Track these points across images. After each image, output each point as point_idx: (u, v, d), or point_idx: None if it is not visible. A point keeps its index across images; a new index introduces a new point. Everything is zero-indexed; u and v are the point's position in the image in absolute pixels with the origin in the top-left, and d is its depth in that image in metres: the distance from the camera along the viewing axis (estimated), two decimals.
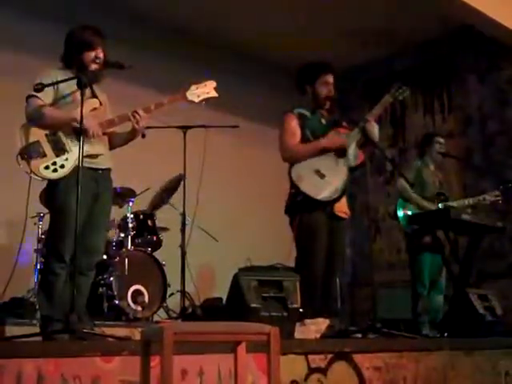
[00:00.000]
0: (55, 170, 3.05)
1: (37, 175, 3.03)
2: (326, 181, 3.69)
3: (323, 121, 3.90)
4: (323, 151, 3.73)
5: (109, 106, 3.38)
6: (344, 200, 3.86)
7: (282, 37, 6.54)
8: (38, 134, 3.08)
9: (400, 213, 4.78)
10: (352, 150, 3.76)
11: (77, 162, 3.03)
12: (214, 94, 3.35)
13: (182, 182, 4.84)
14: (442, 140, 5.07)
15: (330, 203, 3.70)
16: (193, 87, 3.33)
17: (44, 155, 3.05)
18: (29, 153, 3.03)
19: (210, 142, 4.83)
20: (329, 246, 3.72)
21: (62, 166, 3.06)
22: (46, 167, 3.04)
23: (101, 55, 3.22)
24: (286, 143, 3.79)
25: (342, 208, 3.81)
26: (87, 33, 3.24)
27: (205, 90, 3.33)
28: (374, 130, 3.77)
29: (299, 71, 3.96)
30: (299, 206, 3.72)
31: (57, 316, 2.94)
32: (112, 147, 3.35)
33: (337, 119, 3.95)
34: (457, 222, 4.24)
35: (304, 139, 3.80)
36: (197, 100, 3.32)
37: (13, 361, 2.01)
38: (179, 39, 6.35)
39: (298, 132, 3.80)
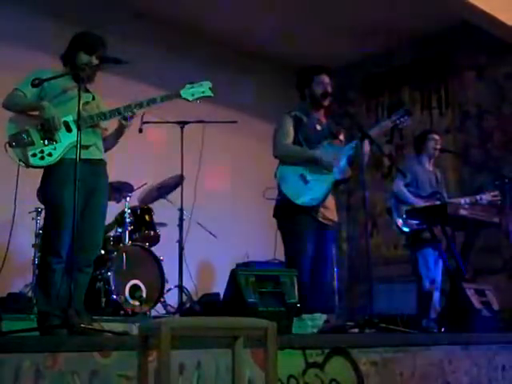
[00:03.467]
0: (42, 158, 3.07)
1: (23, 163, 3.05)
2: (308, 187, 3.74)
3: (318, 127, 3.93)
4: (313, 161, 3.76)
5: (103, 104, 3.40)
6: (333, 207, 3.89)
7: (280, 33, 6.53)
8: (28, 124, 3.10)
9: (398, 220, 4.78)
10: (341, 164, 3.80)
11: (65, 152, 3.07)
12: (209, 93, 3.36)
13: (180, 183, 4.85)
14: (437, 136, 5.06)
15: (312, 208, 3.73)
16: (188, 86, 3.34)
17: (32, 143, 3.07)
18: (17, 140, 3.05)
19: (207, 138, 4.84)
20: (316, 250, 3.76)
21: (50, 155, 3.09)
22: (33, 155, 3.06)
23: (94, 62, 3.25)
24: (279, 141, 3.83)
25: (328, 215, 3.84)
26: (91, 38, 3.30)
27: (200, 89, 3.34)
28: (365, 149, 3.80)
29: (296, 77, 4.00)
30: (282, 209, 3.77)
31: (54, 311, 2.95)
32: (106, 149, 3.37)
33: (334, 131, 3.98)
34: (454, 217, 4.25)
35: (296, 143, 3.84)
36: (191, 98, 3.34)
37: (11, 356, 2.02)
38: (179, 36, 6.34)
39: (292, 133, 3.85)
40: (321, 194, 3.75)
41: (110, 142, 3.39)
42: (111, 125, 3.38)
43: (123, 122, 3.25)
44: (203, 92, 3.35)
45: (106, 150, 3.38)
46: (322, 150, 3.82)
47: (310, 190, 3.74)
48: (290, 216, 3.75)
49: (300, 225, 3.73)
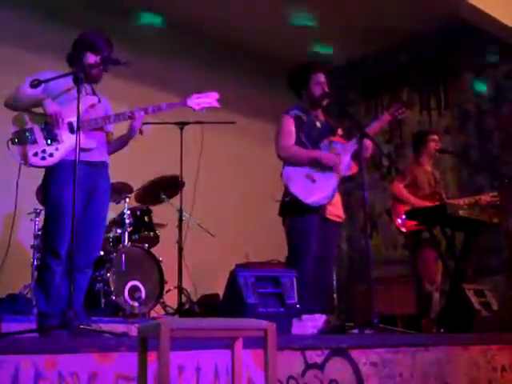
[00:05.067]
0: (43, 158, 3.07)
1: (25, 161, 3.04)
2: (316, 186, 3.74)
3: (318, 124, 3.94)
4: (316, 162, 3.77)
5: (109, 106, 3.41)
6: (339, 204, 3.91)
7: (281, 33, 6.53)
8: (32, 122, 3.10)
9: (397, 221, 4.78)
10: (346, 160, 3.81)
11: (66, 153, 3.06)
12: (215, 104, 3.36)
13: (179, 183, 4.85)
14: (436, 137, 5.05)
15: (321, 207, 3.74)
16: (195, 96, 3.34)
17: (35, 142, 3.06)
18: (20, 138, 3.05)
19: (206, 138, 4.83)
20: (320, 248, 3.77)
21: (51, 155, 3.08)
22: (35, 154, 3.05)
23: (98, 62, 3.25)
24: (283, 143, 3.84)
25: (335, 211, 3.86)
26: (99, 37, 3.29)
27: (206, 99, 3.34)
28: (367, 143, 3.81)
29: (290, 77, 4.00)
30: (289, 207, 3.77)
31: (54, 312, 2.95)
32: (111, 152, 3.37)
33: (333, 127, 3.99)
34: (453, 218, 4.25)
35: (298, 142, 3.84)
36: (197, 108, 3.34)
37: (9, 357, 2.01)
38: (179, 36, 6.34)
39: (294, 133, 3.85)
40: (330, 192, 3.75)
41: (116, 144, 3.39)
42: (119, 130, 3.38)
43: (133, 123, 3.25)
44: (209, 102, 3.35)
45: (110, 153, 3.38)
46: (324, 149, 3.82)
47: (319, 188, 3.73)
48: (298, 215, 3.74)
49: (308, 223, 3.73)
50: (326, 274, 3.87)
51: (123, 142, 3.39)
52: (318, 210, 3.74)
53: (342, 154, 3.81)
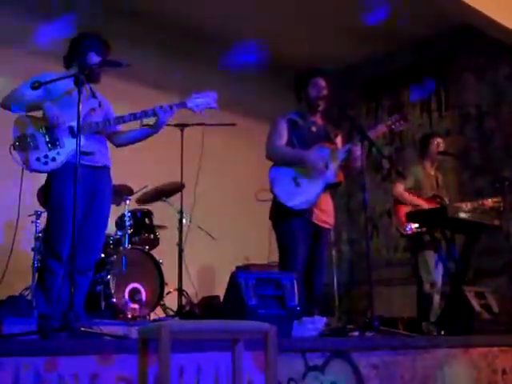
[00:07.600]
0: (46, 163, 3.08)
1: (27, 166, 3.05)
2: (300, 190, 3.75)
3: (314, 128, 3.95)
4: (302, 163, 3.77)
5: (110, 107, 3.41)
6: (330, 210, 3.91)
7: (280, 36, 6.53)
8: (33, 127, 3.10)
9: (401, 222, 4.77)
10: (333, 167, 3.80)
11: (69, 157, 3.07)
12: (213, 105, 3.38)
13: (180, 190, 4.85)
14: (440, 140, 5.05)
15: (304, 211, 3.74)
16: (194, 95, 3.35)
17: (37, 147, 3.07)
18: (22, 144, 3.05)
19: (207, 140, 4.83)
20: (310, 252, 3.79)
21: (54, 159, 3.09)
22: (37, 159, 3.06)
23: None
24: (272, 143, 3.87)
25: (323, 217, 3.85)
26: (99, 39, 3.32)
27: (205, 100, 3.35)
28: (357, 154, 3.80)
29: (294, 81, 4.02)
30: (276, 211, 3.80)
31: (54, 314, 2.95)
32: (123, 143, 3.43)
33: (330, 132, 3.99)
34: (454, 220, 4.25)
35: (289, 144, 3.87)
36: (196, 110, 3.35)
37: (10, 359, 2.01)
38: (178, 37, 6.34)
39: (285, 136, 3.87)
40: (312, 198, 3.76)
41: (136, 134, 3.43)
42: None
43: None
44: (208, 103, 3.36)
45: (122, 144, 3.42)
46: (313, 152, 3.82)
47: (302, 193, 3.76)
48: (283, 218, 3.78)
49: (293, 226, 3.75)
50: (317, 278, 3.87)
51: (147, 133, 3.41)
52: (303, 213, 3.75)
53: (330, 161, 3.81)
